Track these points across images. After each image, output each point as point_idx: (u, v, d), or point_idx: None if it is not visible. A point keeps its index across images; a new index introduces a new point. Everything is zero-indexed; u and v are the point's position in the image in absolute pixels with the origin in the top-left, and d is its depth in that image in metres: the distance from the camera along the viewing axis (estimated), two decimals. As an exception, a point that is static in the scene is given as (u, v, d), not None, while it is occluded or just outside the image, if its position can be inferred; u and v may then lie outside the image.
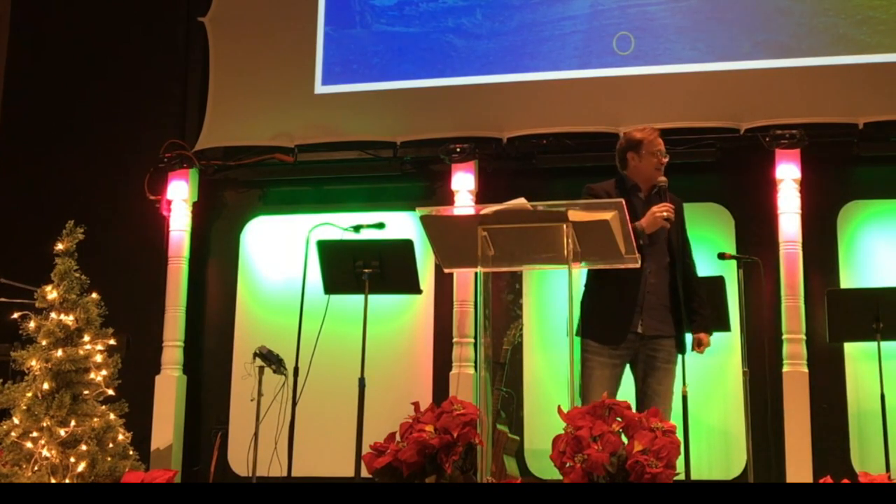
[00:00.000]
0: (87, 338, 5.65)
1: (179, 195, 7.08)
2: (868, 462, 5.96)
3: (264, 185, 7.27)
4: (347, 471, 5.51)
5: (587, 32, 6.68)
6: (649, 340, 4.85)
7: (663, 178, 4.93)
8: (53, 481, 5.31)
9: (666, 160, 4.99)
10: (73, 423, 5.45)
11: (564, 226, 5.02)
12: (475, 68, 6.84)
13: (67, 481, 5.32)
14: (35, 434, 5.44)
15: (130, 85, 7.47)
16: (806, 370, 6.13)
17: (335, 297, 5.78)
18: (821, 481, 5.54)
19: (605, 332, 4.84)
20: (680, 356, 5.12)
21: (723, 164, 6.57)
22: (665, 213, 4.79)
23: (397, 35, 6.99)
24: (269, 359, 5.88)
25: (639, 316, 4.82)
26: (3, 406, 5.61)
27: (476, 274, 6.19)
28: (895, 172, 6.43)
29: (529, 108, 6.72)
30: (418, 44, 6.95)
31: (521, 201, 5.13)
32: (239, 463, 6.56)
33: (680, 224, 4.98)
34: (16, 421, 5.49)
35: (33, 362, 5.55)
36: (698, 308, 4.96)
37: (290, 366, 5.75)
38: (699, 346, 4.99)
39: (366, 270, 5.56)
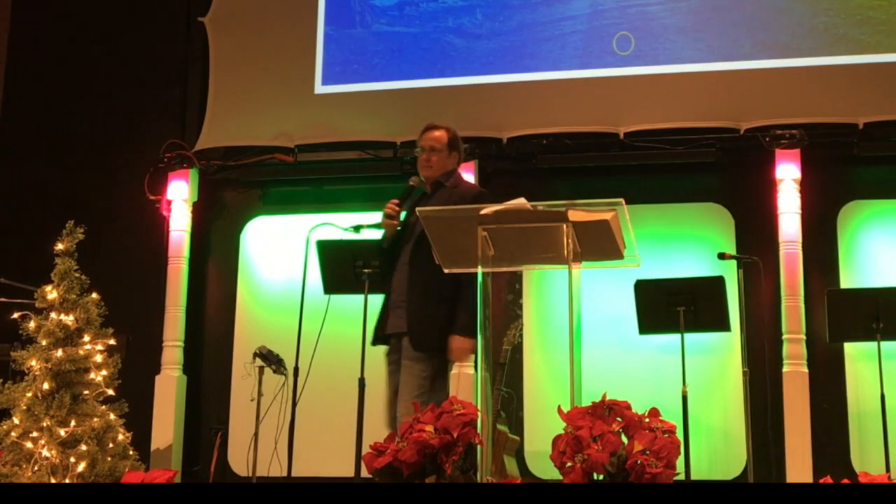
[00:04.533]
0: (87, 338, 5.66)
1: (179, 195, 7.08)
2: (868, 462, 5.96)
3: (264, 185, 7.27)
4: (347, 471, 5.51)
5: (587, 32, 6.68)
6: (397, 338, 4.78)
7: (414, 178, 4.91)
8: (53, 481, 5.31)
9: (423, 155, 4.89)
10: (73, 423, 5.46)
11: (564, 226, 5.02)
12: (475, 68, 6.83)
13: (67, 481, 5.33)
14: (35, 434, 5.44)
15: (130, 85, 7.47)
16: (806, 370, 6.13)
17: (335, 297, 5.78)
18: (821, 481, 5.54)
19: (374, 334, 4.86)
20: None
21: (723, 164, 6.57)
22: (384, 211, 4.79)
23: (397, 35, 6.99)
24: (269, 359, 5.88)
25: (389, 316, 4.80)
26: (3, 406, 5.61)
27: (476, 274, 6.19)
28: (895, 172, 6.43)
29: (529, 108, 6.71)
30: (418, 44, 6.95)
31: (521, 201, 5.13)
32: (239, 463, 6.56)
33: None
34: (16, 421, 5.49)
35: (33, 362, 5.55)
36: (457, 308, 4.67)
37: (290, 366, 5.75)
38: (450, 352, 4.69)
39: (366, 270, 5.56)
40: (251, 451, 5.89)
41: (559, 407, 5.19)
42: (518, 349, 6.31)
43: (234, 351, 6.97)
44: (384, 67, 6.98)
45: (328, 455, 6.42)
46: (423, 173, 4.89)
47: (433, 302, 4.67)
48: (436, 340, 4.68)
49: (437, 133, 4.93)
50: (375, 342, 4.93)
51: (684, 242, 6.54)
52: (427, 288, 4.67)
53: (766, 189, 6.39)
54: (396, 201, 4.77)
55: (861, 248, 6.39)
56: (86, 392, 5.62)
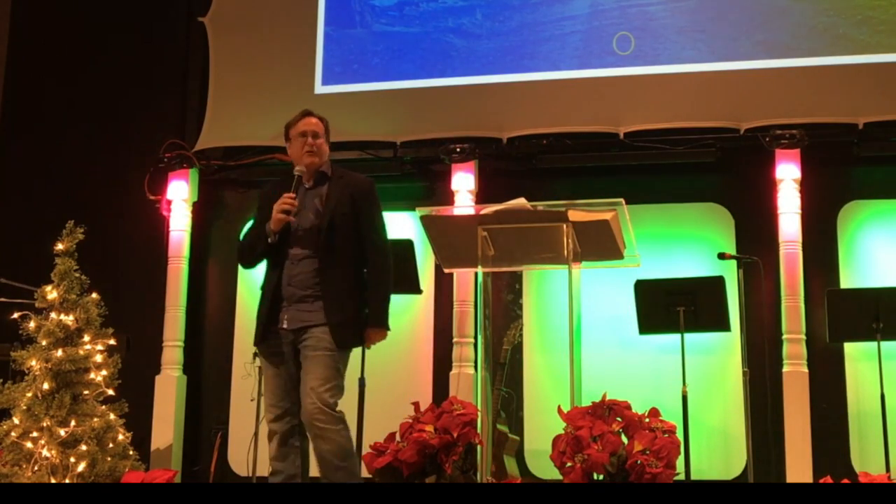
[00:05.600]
0: (87, 338, 5.67)
1: (179, 195, 7.08)
2: (868, 462, 5.96)
3: (264, 186, 7.24)
4: (347, 471, 5.51)
5: (587, 32, 6.68)
6: (298, 333, 4.52)
7: (299, 168, 4.69)
8: (53, 481, 5.31)
9: (316, 141, 4.72)
10: (73, 423, 5.46)
11: (564, 226, 5.03)
12: (475, 68, 6.83)
13: (67, 481, 5.33)
14: (35, 434, 5.44)
15: (130, 85, 7.47)
16: (806, 370, 6.13)
17: (335, 297, 5.76)
18: (821, 481, 5.55)
19: (256, 330, 4.61)
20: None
21: (723, 164, 6.56)
22: (281, 207, 4.55)
23: (397, 35, 6.99)
24: (269, 359, 5.87)
25: (284, 311, 4.53)
26: (3, 406, 5.62)
27: (476, 274, 6.19)
28: (895, 172, 6.43)
29: (529, 108, 6.71)
30: (418, 44, 6.95)
31: (521, 201, 5.13)
32: (239, 463, 6.56)
33: (351, 206, 4.66)
34: (16, 421, 5.50)
35: (33, 362, 5.56)
36: (368, 300, 4.62)
37: (290, 366, 5.74)
38: (367, 342, 4.67)
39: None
40: (251, 451, 5.89)
41: (559, 407, 5.20)
42: (518, 349, 6.31)
43: (234, 351, 6.96)
44: (384, 67, 6.98)
45: (328, 455, 6.41)
46: (310, 160, 4.71)
47: (348, 298, 4.57)
48: (354, 337, 4.60)
49: (316, 119, 4.83)
50: (265, 338, 4.59)
51: (684, 242, 6.54)
52: (340, 283, 4.55)
53: (766, 189, 6.39)
54: (293, 195, 4.59)
55: (861, 248, 6.39)
56: (86, 392, 5.62)
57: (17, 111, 7.70)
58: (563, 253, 5.10)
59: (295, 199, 4.59)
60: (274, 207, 4.58)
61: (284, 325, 4.52)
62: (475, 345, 6.46)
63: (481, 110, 6.79)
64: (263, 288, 4.66)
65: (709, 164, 6.55)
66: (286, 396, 4.53)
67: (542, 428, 6.02)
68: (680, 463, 5.24)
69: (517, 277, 6.52)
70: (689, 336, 5.86)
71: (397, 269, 5.59)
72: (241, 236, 4.87)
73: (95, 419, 5.55)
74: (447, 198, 6.75)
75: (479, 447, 5.44)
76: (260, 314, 4.62)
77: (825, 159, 6.45)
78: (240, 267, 7.07)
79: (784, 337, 6.20)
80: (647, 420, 5.14)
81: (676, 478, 5.04)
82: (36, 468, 5.40)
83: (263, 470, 5.93)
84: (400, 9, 7.00)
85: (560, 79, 6.69)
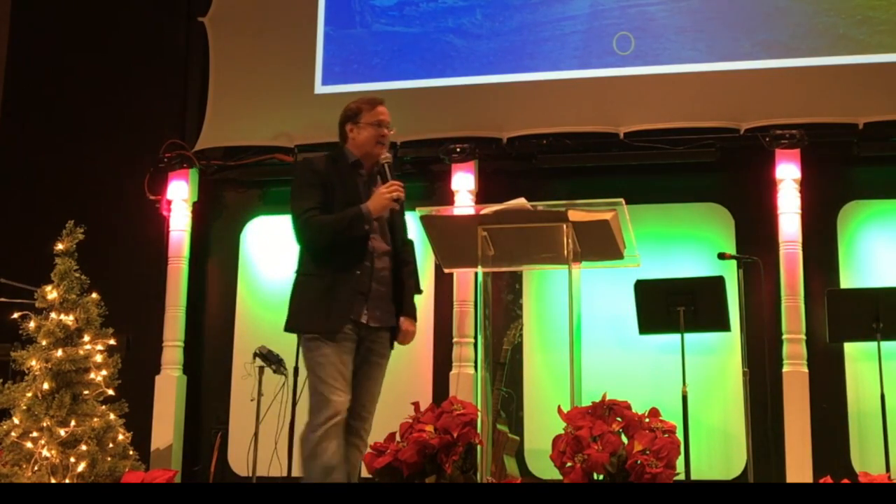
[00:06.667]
0: (87, 338, 5.67)
1: (179, 195, 7.08)
2: (868, 462, 5.96)
3: (264, 185, 7.26)
4: (347, 471, 5.51)
5: (587, 32, 6.68)
6: (372, 332, 4.41)
7: (387, 155, 4.51)
8: (53, 481, 5.31)
9: (390, 132, 4.55)
10: (73, 423, 5.47)
11: (564, 226, 5.03)
12: (475, 68, 6.83)
13: (67, 481, 5.33)
14: (35, 434, 5.45)
15: (130, 85, 7.47)
16: (806, 370, 6.14)
17: (335, 297, 5.76)
18: (821, 481, 5.55)
19: (328, 324, 4.36)
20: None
21: (723, 164, 6.57)
22: (394, 194, 4.39)
23: (397, 35, 6.99)
24: (269, 359, 5.89)
25: (366, 307, 4.37)
26: (3, 406, 5.62)
27: (476, 274, 6.19)
28: (895, 172, 6.43)
29: (529, 108, 6.72)
30: (418, 44, 6.95)
31: (521, 201, 5.13)
32: (239, 463, 6.56)
33: (401, 209, 4.55)
34: (16, 421, 5.50)
35: (33, 362, 5.56)
36: (408, 295, 4.52)
37: (290, 366, 5.75)
38: (403, 336, 4.51)
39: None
40: (251, 451, 5.89)
41: (559, 407, 5.20)
42: (518, 349, 6.32)
43: (234, 351, 6.97)
44: (384, 67, 6.98)
45: (328, 455, 6.41)
46: (382, 151, 4.54)
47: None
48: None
49: None
50: (345, 326, 4.35)
51: (684, 242, 6.55)
52: (403, 283, 4.52)
53: (766, 189, 6.39)
54: (400, 183, 4.44)
55: (861, 248, 6.39)
56: (86, 392, 5.63)
57: (18, 111, 7.70)
58: (563, 253, 5.10)
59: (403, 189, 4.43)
60: (381, 191, 4.39)
61: (364, 320, 4.36)
62: (475, 345, 6.46)
63: (481, 110, 6.79)
64: (331, 276, 4.42)
65: (709, 164, 6.55)
66: (349, 388, 4.35)
67: (542, 428, 6.02)
68: (680, 463, 5.24)
69: (517, 277, 6.52)
70: (689, 336, 5.86)
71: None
72: (307, 212, 4.56)
73: (95, 419, 5.55)
74: (447, 198, 6.75)
75: (479, 447, 5.44)
76: (339, 304, 4.35)
77: (825, 159, 6.45)
78: (240, 267, 7.12)
79: (784, 337, 6.20)
80: (647, 420, 5.14)
81: (676, 478, 5.04)
82: (36, 468, 5.40)
83: (263, 470, 5.94)
84: (400, 9, 7.00)
85: (560, 79, 6.70)
